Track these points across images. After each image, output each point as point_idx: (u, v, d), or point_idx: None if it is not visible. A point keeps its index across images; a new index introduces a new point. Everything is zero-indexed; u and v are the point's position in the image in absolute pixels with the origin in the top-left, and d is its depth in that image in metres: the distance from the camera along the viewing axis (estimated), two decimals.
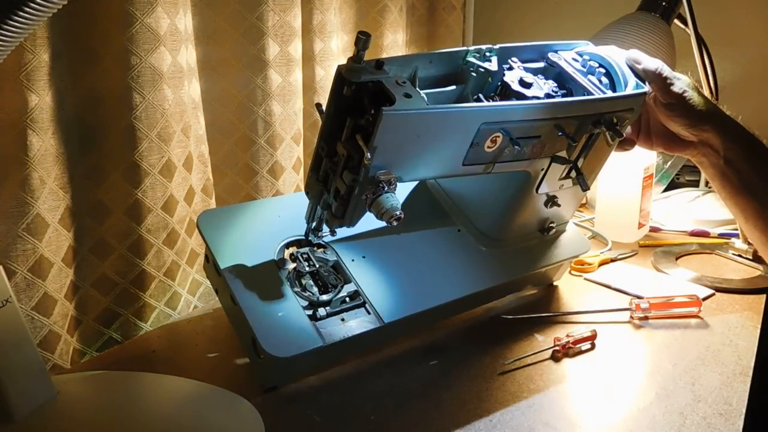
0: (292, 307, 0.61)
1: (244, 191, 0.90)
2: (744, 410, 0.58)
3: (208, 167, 0.84)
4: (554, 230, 0.77)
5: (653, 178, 1.04)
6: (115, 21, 0.67)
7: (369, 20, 1.11)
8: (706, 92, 0.89)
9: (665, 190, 1.24)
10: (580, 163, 0.70)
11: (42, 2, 0.41)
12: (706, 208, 1.14)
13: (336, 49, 1.00)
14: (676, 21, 0.96)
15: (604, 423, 0.57)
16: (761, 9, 1.26)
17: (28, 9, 0.41)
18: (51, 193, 0.65)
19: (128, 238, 0.73)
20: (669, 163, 1.22)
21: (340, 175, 0.56)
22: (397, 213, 0.54)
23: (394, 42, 1.15)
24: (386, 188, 0.55)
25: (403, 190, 0.75)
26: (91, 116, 0.68)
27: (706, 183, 1.25)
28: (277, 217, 0.68)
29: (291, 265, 0.64)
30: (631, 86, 0.68)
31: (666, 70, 0.67)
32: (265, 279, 0.62)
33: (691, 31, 0.90)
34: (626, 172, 1.00)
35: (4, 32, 0.42)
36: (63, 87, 0.65)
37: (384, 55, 1.07)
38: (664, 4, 0.94)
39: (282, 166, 0.92)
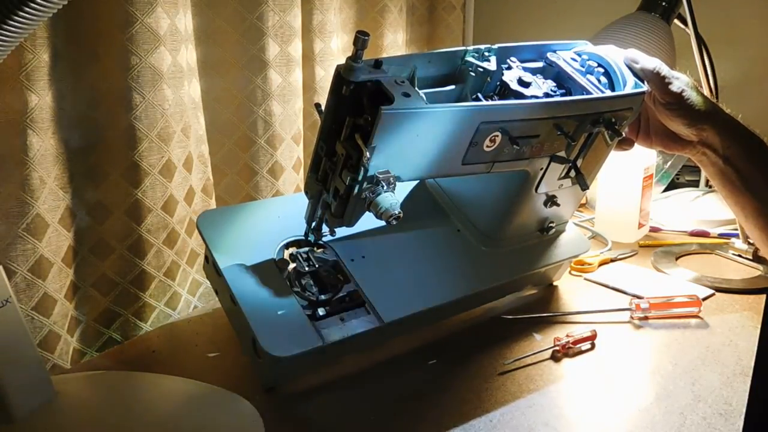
0: (291, 306, 0.61)
1: (244, 191, 0.90)
2: (744, 410, 0.58)
3: (208, 167, 0.84)
4: (554, 230, 0.77)
5: (653, 178, 1.04)
6: (115, 21, 0.67)
7: (369, 20, 1.11)
8: (706, 92, 0.89)
9: (665, 190, 1.24)
10: (579, 163, 0.70)
11: (42, 2, 0.41)
12: (706, 208, 1.14)
13: (336, 49, 1.00)
14: (676, 21, 0.96)
15: (604, 423, 0.57)
16: (761, 9, 1.26)
17: (28, 9, 0.41)
18: (51, 193, 0.65)
19: (128, 238, 0.73)
20: (669, 163, 1.22)
21: (339, 174, 0.56)
22: (396, 212, 0.54)
23: (394, 42, 1.15)
24: (385, 187, 0.55)
25: (402, 190, 0.75)
26: (91, 116, 0.68)
27: (707, 183, 1.25)
28: (276, 218, 0.68)
29: (291, 265, 0.64)
30: (629, 86, 0.68)
31: (664, 69, 0.67)
32: (265, 279, 0.62)
33: (691, 31, 0.90)
34: (626, 172, 1.01)
35: (4, 32, 0.42)
36: (63, 87, 0.65)
37: (384, 55, 1.07)
38: (664, 4, 0.94)
39: (282, 166, 0.92)
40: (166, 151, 0.74)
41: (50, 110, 0.64)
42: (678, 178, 1.28)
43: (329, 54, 0.99)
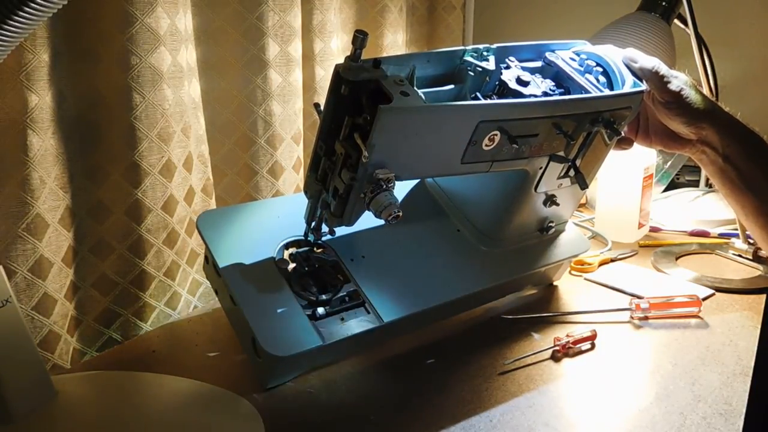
0: (291, 306, 0.61)
1: (244, 191, 0.90)
2: (744, 410, 0.58)
3: (208, 167, 0.84)
4: (553, 230, 0.77)
5: (653, 178, 1.04)
6: (115, 21, 0.67)
7: (369, 20, 1.11)
8: (706, 92, 0.89)
9: (665, 190, 1.24)
10: (578, 162, 0.70)
11: (42, 2, 0.41)
12: (706, 208, 1.14)
13: (336, 49, 1.00)
14: (676, 21, 0.96)
15: (604, 423, 0.57)
16: (761, 9, 1.26)
17: (28, 9, 0.41)
18: (51, 193, 0.65)
19: (128, 238, 0.73)
20: (669, 163, 1.22)
21: (339, 173, 0.56)
22: (396, 211, 0.54)
23: (394, 42, 1.15)
24: (384, 186, 0.55)
25: (401, 190, 0.75)
26: (91, 116, 0.68)
27: (707, 183, 1.25)
28: (276, 218, 0.68)
29: (290, 265, 0.64)
30: (628, 85, 0.68)
31: (663, 68, 0.67)
32: (265, 279, 0.62)
33: (691, 31, 0.90)
34: (626, 172, 1.00)
35: (4, 32, 0.42)
36: (63, 87, 0.65)
37: (384, 55, 1.07)
38: (664, 4, 0.94)
39: (282, 166, 0.92)
40: (166, 151, 0.74)
41: (50, 110, 0.64)
42: (678, 178, 1.28)
43: (329, 54, 0.99)
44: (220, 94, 0.86)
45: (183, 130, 0.76)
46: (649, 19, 0.94)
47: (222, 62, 0.85)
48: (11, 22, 0.41)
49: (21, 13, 0.41)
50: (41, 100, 0.62)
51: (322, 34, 0.97)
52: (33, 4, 0.41)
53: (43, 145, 0.63)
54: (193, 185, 0.81)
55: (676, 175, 1.25)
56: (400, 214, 0.55)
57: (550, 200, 0.74)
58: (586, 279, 0.88)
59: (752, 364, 0.66)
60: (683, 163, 1.23)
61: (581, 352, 0.69)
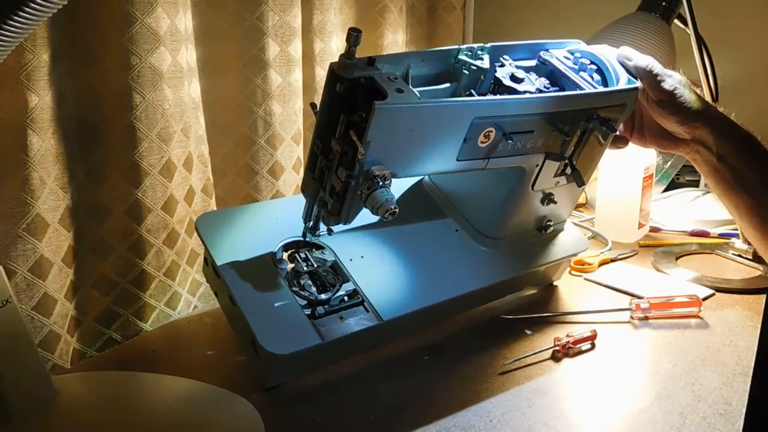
0: (290, 306, 0.61)
1: (244, 191, 0.90)
2: (744, 410, 0.58)
3: (208, 167, 0.84)
4: (552, 228, 0.77)
5: (653, 178, 1.04)
6: (115, 21, 0.67)
7: (369, 20, 1.11)
8: (706, 92, 0.89)
9: (665, 190, 1.24)
10: (574, 160, 0.70)
11: (42, 2, 0.41)
12: (706, 208, 1.14)
13: (336, 49, 1.01)
14: (676, 21, 0.96)
15: (604, 423, 0.57)
16: (761, 9, 1.26)
17: (28, 9, 0.41)
18: (51, 193, 0.65)
19: (128, 238, 0.73)
20: (669, 163, 1.22)
21: (336, 171, 0.57)
22: (392, 207, 0.55)
23: (394, 42, 1.15)
24: (381, 183, 0.55)
25: (399, 191, 0.75)
26: (91, 116, 0.69)
27: (706, 183, 1.25)
28: (275, 219, 0.68)
29: (289, 266, 0.64)
30: (623, 82, 0.68)
31: (657, 67, 0.67)
32: (264, 279, 0.62)
33: (691, 31, 0.90)
34: (626, 172, 1.01)
35: (4, 32, 0.42)
36: (63, 87, 0.65)
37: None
38: (664, 4, 0.94)
39: (282, 167, 0.92)
40: (166, 151, 0.74)
41: (50, 110, 0.64)
42: (678, 178, 1.28)
43: (329, 54, 0.99)
44: (220, 94, 0.86)
45: (183, 130, 0.76)
46: (649, 19, 0.94)
47: (222, 62, 0.85)
48: (11, 22, 0.41)
49: (21, 13, 0.41)
50: (41, 100, 0.62)
51: (322, 34, 0.97)
52: (33, 4, 0.41)
53: (43, 145, 0.63)
54: (193, 185, 0.81)
55: (676, 175, 1.25)
56: (397, 210, 0.55)
57: (548, 198, 0.74)
58: (586, 279, 0.88)
59: (752, 364, 0.66)
60: (683, 163, 1.23)
61: (581, 352, 0.69)
